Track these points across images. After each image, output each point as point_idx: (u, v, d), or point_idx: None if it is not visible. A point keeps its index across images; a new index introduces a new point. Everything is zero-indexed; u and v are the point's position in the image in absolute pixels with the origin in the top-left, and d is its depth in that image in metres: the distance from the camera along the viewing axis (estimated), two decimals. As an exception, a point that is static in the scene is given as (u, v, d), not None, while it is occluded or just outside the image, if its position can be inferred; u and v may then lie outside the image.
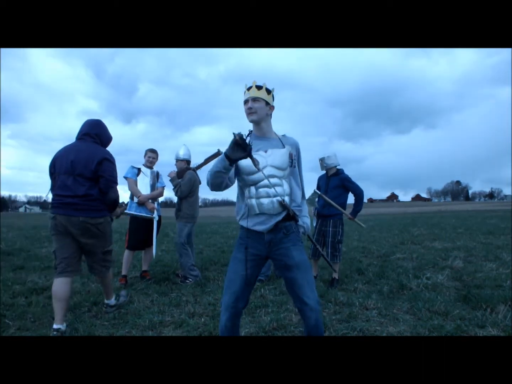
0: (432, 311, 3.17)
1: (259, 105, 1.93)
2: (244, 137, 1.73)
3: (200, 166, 4.67)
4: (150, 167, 4.79)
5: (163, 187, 4.87)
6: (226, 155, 1.76)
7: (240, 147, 1.70)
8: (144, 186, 4.65)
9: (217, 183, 1.88)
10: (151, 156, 4.78)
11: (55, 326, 2.73)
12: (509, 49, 1.96)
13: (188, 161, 4.75)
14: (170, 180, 4.59)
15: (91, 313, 3.31)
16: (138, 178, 4.62)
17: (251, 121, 1.98)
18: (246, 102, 1.96)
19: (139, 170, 4.66)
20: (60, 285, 2.79)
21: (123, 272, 4.57)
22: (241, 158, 1.76)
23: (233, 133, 1.70)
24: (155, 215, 4.56)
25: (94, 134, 3.07)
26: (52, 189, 2.97)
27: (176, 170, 4.74)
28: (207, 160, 4.57)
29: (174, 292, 4.00)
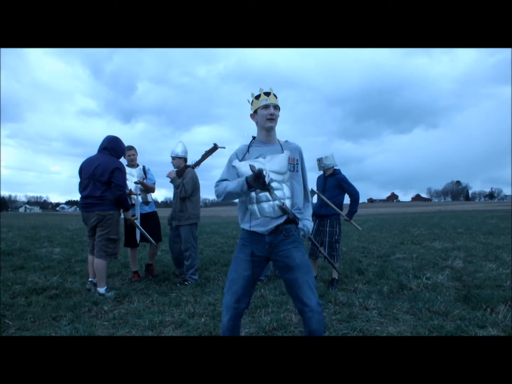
0: (432, 311, 3.17)
1: (278, 113, 1.99)
2: (264, 173, 1.79)
3: (198, 163, 4.50)
4: (134, 165, 4.72)
5: (154, 184, 4.84)
6: (247, 181, 1.82)
7: (260, 179, 1.78)
8: (133, 186, 4.62)
9: (227, 198, 1.98)
10: (130, 154, 4.68)
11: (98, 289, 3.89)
12: (509, 49, 1.95)
13: (185, 159, 4.64)
14: (171, 181, 4.51)
15: (91, 313, 3.30)
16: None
17: (269, 127, 1.98)
18: (266, 107, 1.96)
19: None
20: (89, 259, 4.12)
21: (133, 269, 4.70)
22: (259, 188, 1.84)
23: (258, 169, 1.78)
24: (136, 209, 4.55)
25: (111, 148, 4.01)
26: (79, 189, 3.99)
27: (173, 168, 4.64)
28: (204, 156, 4.40)
29: (174, 292, 4.00)
